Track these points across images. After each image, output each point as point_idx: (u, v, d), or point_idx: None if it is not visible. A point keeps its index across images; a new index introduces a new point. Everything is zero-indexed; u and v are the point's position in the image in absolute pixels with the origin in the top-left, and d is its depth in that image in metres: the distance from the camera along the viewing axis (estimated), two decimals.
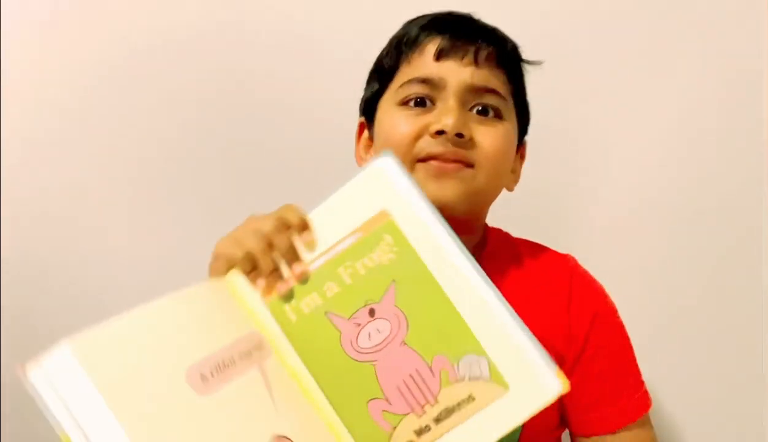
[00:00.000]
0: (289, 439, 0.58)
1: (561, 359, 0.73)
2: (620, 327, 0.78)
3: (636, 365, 0.78)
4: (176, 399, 0.53)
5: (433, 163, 0.72)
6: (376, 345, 0.61)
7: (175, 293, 0.59)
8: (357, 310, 0.62)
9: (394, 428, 0.60)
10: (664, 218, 1.09)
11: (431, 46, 0.75)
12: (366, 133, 0.83)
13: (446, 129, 0.71)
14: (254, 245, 0.62)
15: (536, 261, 0.80)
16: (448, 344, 0.61)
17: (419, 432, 0.60)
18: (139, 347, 0.54)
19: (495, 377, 0.60)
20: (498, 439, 0.60)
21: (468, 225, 0.76)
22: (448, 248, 0.61)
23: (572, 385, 0.58)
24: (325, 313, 0.62)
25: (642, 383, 0.78)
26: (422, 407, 0.60)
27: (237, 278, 0.63)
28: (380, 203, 0.63)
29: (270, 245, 0.62)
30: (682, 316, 1.08)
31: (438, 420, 0.60)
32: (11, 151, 1.07)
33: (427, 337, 0.61)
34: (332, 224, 0.63)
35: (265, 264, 0.61)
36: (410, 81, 0.75)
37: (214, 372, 0.56)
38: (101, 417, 0.49)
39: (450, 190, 0.72)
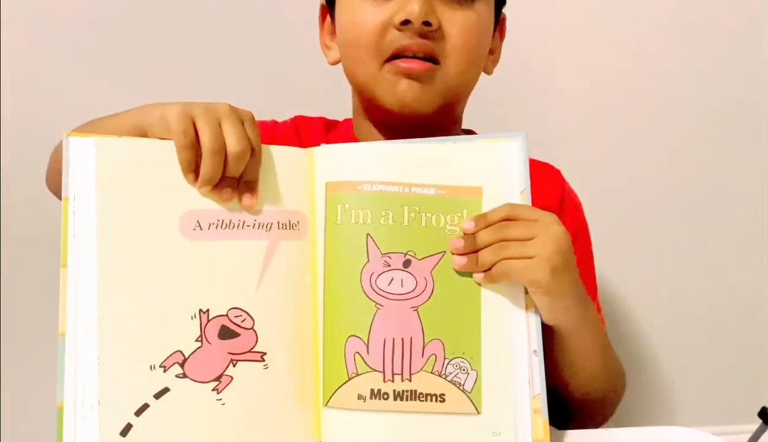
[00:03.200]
0: (245, 312, 0.57)
1: None
2: (590, 246, 0.78)
3: (597, 291, 0.76)
4: (158, 229, 0.56)
5: (400, 64, 0.67)
6: (391, 293, 0.59)
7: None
8: (395, 251, 0.59)
9: (357, 375, 0.57)
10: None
11: None
12: (329, 18, 0.76)
13: (411, 18, 0.65)
14: None
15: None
16: (451, 337, 0.58)
17: (374, 394, 0.57)
18: (156, 172, 0.56)
19: (474, 396, 0.57)
20: None
21: (439, 122, 0.71)
22: None
23: None
24: (367, 234, 0.60)
25: (600, 307, 0.75)
26: (393, 375, 0.57)
27: (322, 153, 0.62)
28: (482, 180, 0.61)
29: None
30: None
31: (398, 396, 0.57)
32: None
33: (439, 318, 0.58)
34: (428, 165, 0.61)
35: None
36: None
37: (213, 225, 0.57)
38: (88, 207, 0.54)
39: (418, 92, 0.68)
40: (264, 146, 0.60)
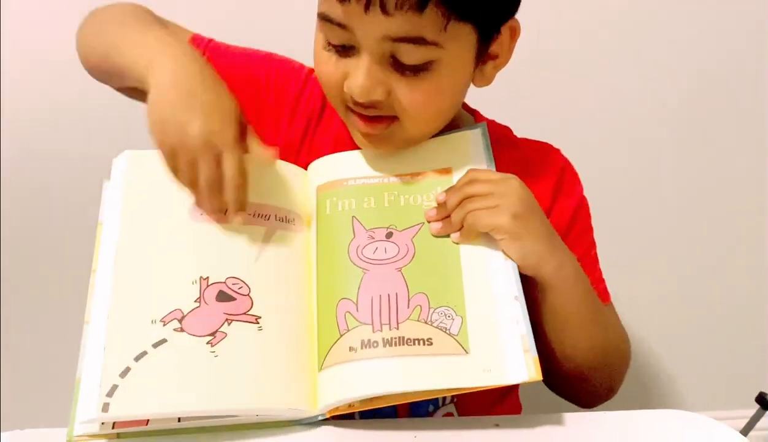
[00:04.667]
0: (242, 281, 0.62)
1: None
2: (590, 220, 0.77)
3: (599, 265, 0.75)
4: (172, 216, 0.64)
5: (358, 122, 0.66)
6: (377, 259, 0.63)
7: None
8: (378, 227, 0.65)
9: (347, 331, 0.60)
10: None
11: None
12: None
13: (354, 95, 0.63)
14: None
15: (527, 147, 0.77)
16: (435, 290, 0.61)
17: (364, 344, 0.58)
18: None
19: (461, 338, 0.58)
20: (425, 390, 0.56)
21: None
22: None
23: None
24: (352, 217, 0.66)
25: (603, 280, 0.74)
26: (382, 325, 0.59)
27: (313, 168, 0.71)
28: (450, 161, 0.69)
29: None
30: None
31: (387, 343, 0.58)
32: None
33: (422, 276, 0.62)
34: (402, 159, 0.70)
35: None
36: (321, 16, 0.63)
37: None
38: (115, 211, 0.64)
39: (380, 149, 0.69)
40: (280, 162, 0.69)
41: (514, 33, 0.68)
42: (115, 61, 0.68)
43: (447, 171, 0.68)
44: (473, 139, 0.70)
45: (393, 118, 0.66)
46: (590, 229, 0.77)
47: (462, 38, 0.63)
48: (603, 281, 0.75)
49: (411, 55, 0.62)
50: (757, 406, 0.83)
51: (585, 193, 0.77)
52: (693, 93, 1.12)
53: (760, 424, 0.84)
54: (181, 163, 0.60)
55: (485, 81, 0.70)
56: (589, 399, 0.72)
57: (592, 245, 0.76)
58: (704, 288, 1.12)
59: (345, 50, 0.63)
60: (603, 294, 0.73)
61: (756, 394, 0.84)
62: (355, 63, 0.63)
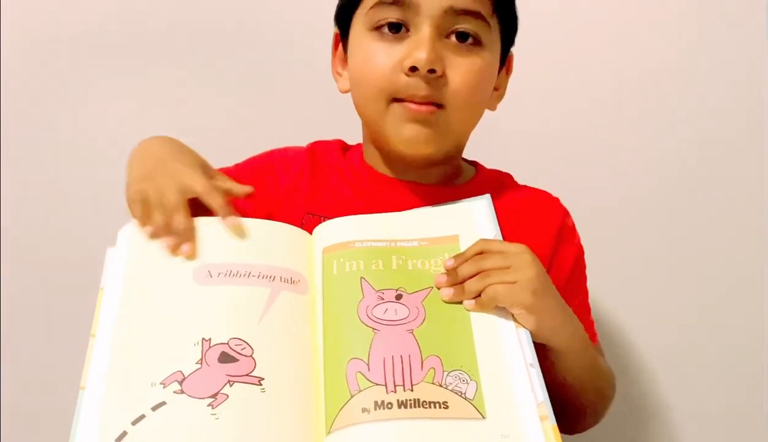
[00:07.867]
0: (245, 342, 0.60)
1: None
2: (585, 270, 0.80)
3: (590, 310, 0.79)
4: (175, 280, 0.63)
5: (408, 106, 0.69)
6: (387, 320, 0.61)
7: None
8: (387, 288, 0.64)
9: (359, 391, 0.57)
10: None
11: None
12: (341, 47, 0.78)
13: (418, 65, 0.67)
14: None
15: (529, 195, 0.80)
16: (448, 353, 0.60)
17: (378, 405, 0.56)
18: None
19: (477, 403, 0.57)
20: None
21: (440, 159, 0.76)
22: None
23: None
24: (361, 277, 0.65)
25: (593, 323, 0.79)
26: (395, 386, 0.57)
27: (318, 231, 0.71)
28: (457, 229, 0.69)
29: None
30: None
31: (402, 405, 0.56)
32: None
33: (434, 339, 0.60)
34: (409, 225, 0.70)
35: None
36: (380, 3, 0.69)
37: (222, 274, 0.64)
38: (118, 276, 0.63)
39: (424, 135, 0.70)
40: (273, 224, 0.70)
41: (509, 67, 0.77)
42: None
43: (454, 238, 0.69)
44: (478, 208, 0.71)
45: (439, 106, 0.70)
46: (585, 277, 0.79)
47: (497, 31, 0.73)
48: (593, 324, 0.79)
49: (468, 29, 0.69)
50: None
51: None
52: (693, 104, 1.09)
53: None
54: (151, 198, 0.65)
55: (491, 107, 0.78)
56: (574, 428, 0.76)
57: (587, 292, 0.79)
58: (705, 340, 1.10)
59: (397, 31, 0.69)
60: (593, 337, 0.77)
61: None
62: (413, 41, 0.69)
